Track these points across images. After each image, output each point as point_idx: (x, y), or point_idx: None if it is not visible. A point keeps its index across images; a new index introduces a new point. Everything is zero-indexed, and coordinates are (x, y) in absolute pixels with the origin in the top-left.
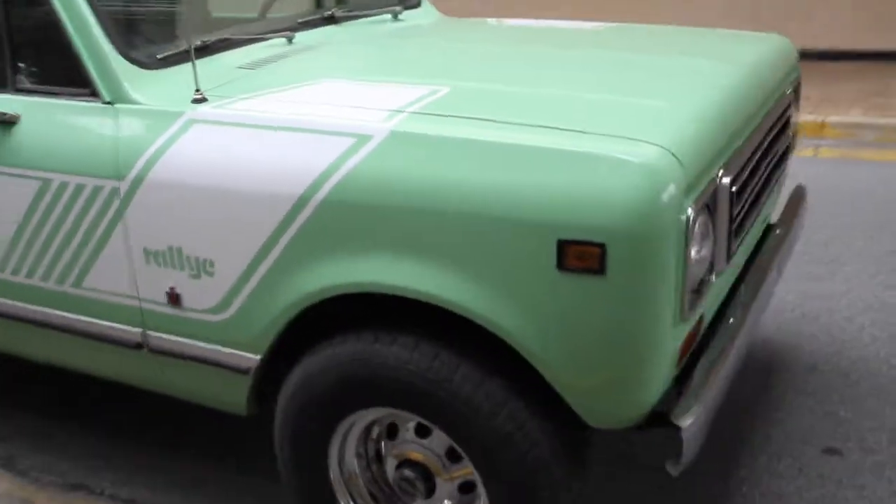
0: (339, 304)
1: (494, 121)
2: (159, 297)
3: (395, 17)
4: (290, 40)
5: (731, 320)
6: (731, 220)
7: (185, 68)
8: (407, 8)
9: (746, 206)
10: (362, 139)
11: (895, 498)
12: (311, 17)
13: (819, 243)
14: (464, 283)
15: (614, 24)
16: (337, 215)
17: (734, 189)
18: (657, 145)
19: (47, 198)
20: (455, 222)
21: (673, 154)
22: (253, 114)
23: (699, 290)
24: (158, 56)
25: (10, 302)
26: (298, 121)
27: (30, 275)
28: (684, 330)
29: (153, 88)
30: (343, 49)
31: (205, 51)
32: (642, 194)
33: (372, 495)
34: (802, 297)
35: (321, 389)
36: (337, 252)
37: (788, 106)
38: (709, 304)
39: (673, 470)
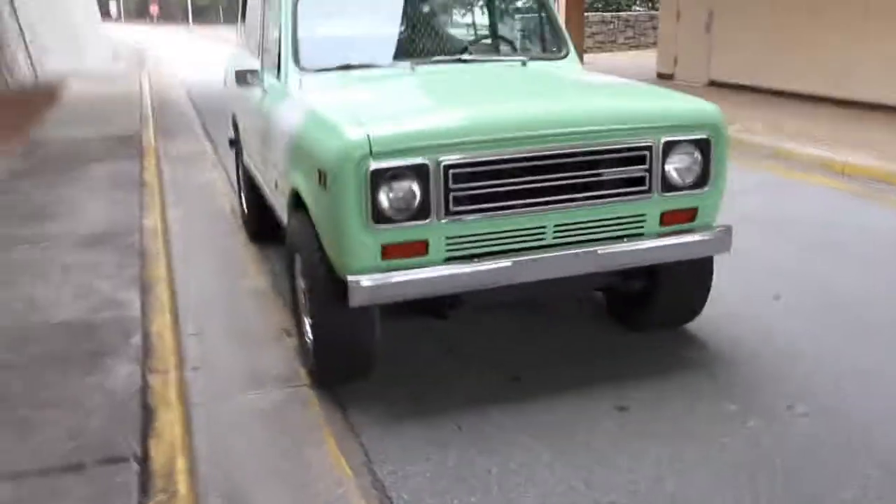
0: None
1: (345, 111)
2: (272, 184)
3: (524, 63)
4: (412, 68)
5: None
6: (447, 189)
7: (323, 74)
8: (556, 59)
9: (495, 189)
10: (304, 112)
11: (595, 442)
12: (446, 57)
13: None
14: (303, 183)
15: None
16: (288, 147)
17: (452, 171)
18: (363, 128)
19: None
20: (302, 152)
21: (368, 135)
22: (301, 95)
23: (410, 219)
24: (316, 67)
25: (259, 175)
26: (302, 100)
27: (262, 163)
28: (381, 238)
29: (296, 81)
30: (421, 77)
31: (349, 67)
32: (339, 151)
33: None
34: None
35: None
36: (296, 167)
37: (646, 149)
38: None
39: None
